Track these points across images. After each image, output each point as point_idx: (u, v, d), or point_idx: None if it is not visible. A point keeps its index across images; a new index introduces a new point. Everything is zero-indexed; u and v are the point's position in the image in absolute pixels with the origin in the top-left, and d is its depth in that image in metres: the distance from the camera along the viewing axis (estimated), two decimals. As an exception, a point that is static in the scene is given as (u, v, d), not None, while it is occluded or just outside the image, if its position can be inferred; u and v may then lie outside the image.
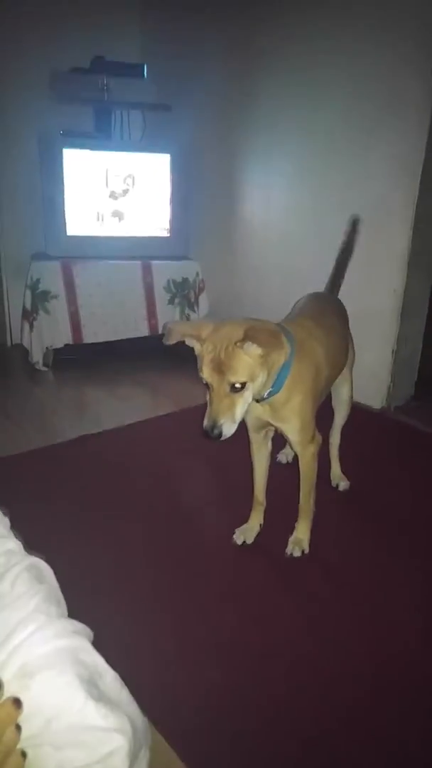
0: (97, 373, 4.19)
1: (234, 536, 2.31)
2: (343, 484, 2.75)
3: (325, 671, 1.72)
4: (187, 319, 4.59)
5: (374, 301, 3.52)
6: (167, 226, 4.50)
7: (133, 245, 4.41)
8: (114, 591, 2.03)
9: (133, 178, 4.28)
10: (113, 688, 0.89)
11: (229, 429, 1.69)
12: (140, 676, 1.52)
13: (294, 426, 2.02)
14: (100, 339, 4.30)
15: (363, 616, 1.95)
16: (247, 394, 1.72)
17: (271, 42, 3.86)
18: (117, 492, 2.68)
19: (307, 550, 2.23)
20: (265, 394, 1.87)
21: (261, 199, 4.28)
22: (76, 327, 4.23)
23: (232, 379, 1.67)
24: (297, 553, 2.22)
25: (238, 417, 1.73)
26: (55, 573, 1.08)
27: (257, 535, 2.34)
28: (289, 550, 2.23)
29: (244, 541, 2.30)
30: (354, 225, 2.72)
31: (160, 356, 4.58)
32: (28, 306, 4.12)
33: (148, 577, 2.14)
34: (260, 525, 2.35)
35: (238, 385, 1.68)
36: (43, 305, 4.10)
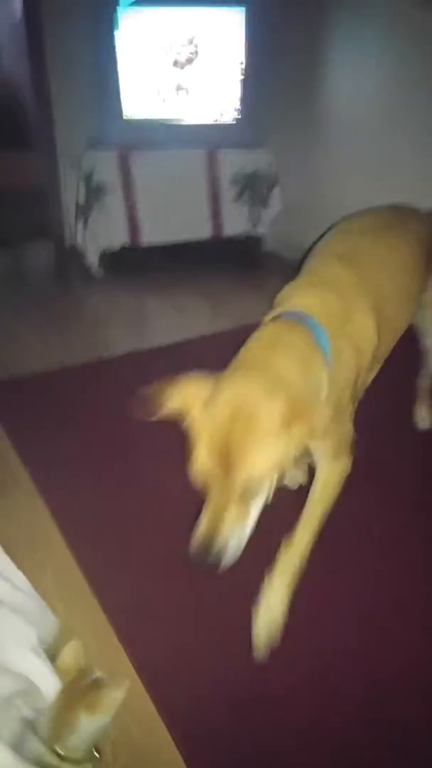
0: (154, 280, 3.91)
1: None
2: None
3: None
4: (256, 219, 4.09)
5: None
6: (237, 105, 3.89)
7: (197, 130, 3.90)
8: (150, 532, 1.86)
9: (198, 44, 3.66)
10: None
11: (234, 552, 1.08)
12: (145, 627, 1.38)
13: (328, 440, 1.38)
14: (160, 240, 3.95)
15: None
16: (266, 495, 1.11)
17: None
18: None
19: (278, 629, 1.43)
20: None
21: (350, 77, 3.59)
22: (133, 226, 3.88)
23: (246, 480, 1.04)
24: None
25: (249, 532, 1.11)
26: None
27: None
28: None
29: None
30: None
31: (225, 263, 4.29)
32: (82, 201, 3.77)
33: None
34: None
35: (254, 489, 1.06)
36: (98, 200, 3.74)
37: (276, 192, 4.15)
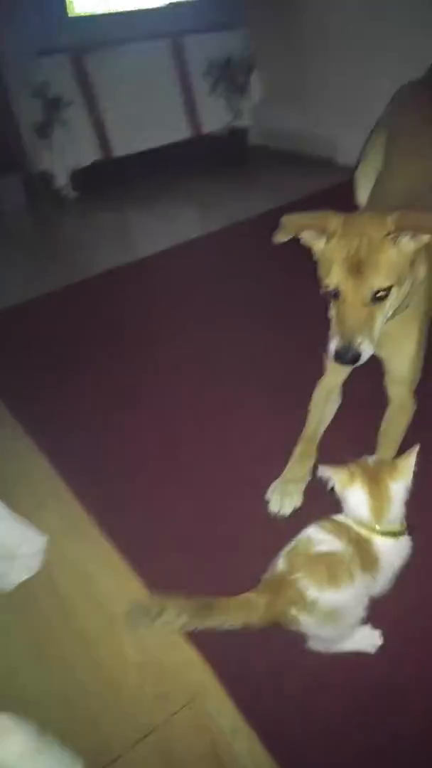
0: (135, 192, 3.62)
1: (268, 494, 1.52)
2: None
3: None
4: (236, 110, 3.72)
5: None
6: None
7: (157, 16, 3.47)
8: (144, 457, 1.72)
9: None
10: None
11: (368, 350, 1.33)
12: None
13: (408, 354, 1.55)
14: (134, 149, 3.63)
15: None
16: (389, 305, 1.35)
17: None
18: (149, 333, 2.24)
19: None
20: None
21: None
22: (102, 138, 3.55)
23: (377, 283, 1.30)
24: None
25: (377, 334, 1.36)
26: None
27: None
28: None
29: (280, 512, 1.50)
30: None
31: (209, 163, 3.93)
32: (40, 118, 3.41)
33: (187, 431, 1.79)
34: (305, 481, 1.55)
35: (382, 293, 1.31)
36: (57, 115, 3.38)
37: (255, 78, 3.75)
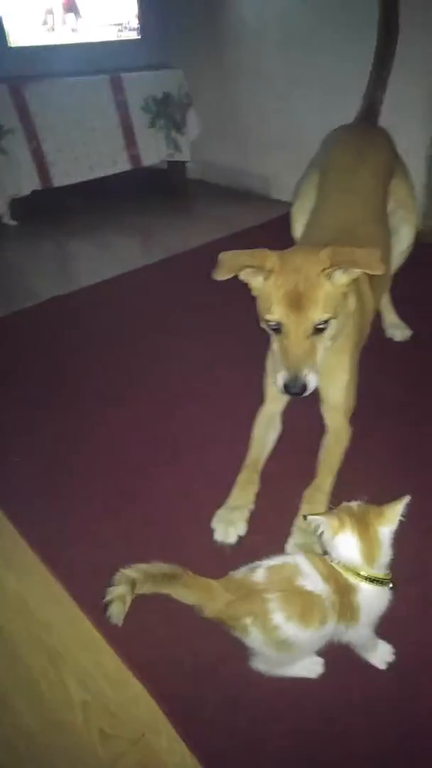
0: (75, 222, 3.62)
1: (213, 523, 1.54)
2: (400, 333, 2.29)
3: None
4: (175, 145, 3.81)
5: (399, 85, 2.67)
6: (136, 22, 3.54)
7: (96, 53, 3.55)
8: (89, 475, 1.72)
9: None
10: None
11: (314, 380, 1.40)
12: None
13: (341, 382, 1.62)
14: (74, 180, 3.62)
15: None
16: (328, 336, 1.42)
17: None
18: (90, 362, 2.24)
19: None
20: None
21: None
22: (41, 167, 3.53)
23: (317, 317, 1.36)
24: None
25: (320, 365, 1.43)
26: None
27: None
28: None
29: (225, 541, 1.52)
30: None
31: (149, 195, 3.99)
32: (-23, 146, 3.38)
33: (132, 461, 1.78)
34: (249, 509, 1.58)
35: (321, 325, 1.37)
36: (-4, 144, 3.35)
37: (192, 114, 3.86)
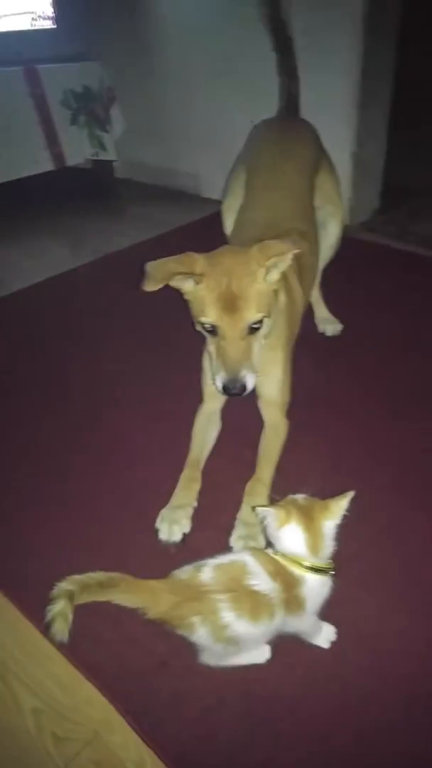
0: (-1, 226, 3.45)
1: (157, 523, 1.56)
2: (331, 328, 2.36)
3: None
4: (99, 143, 3.74)
5: (323, 83, 2.77)
6: (51, 11, 3.45)
7: (8, 44, 3.40)
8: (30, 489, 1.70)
9: None
10: None
11: (252, 380, 1.42)
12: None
13: (276, 378, 1.65)
14: (-9, 181, 3.46)
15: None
16: (263, 334, 1.45)
17: None
18: (22, 368, 2.23)
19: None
20: None
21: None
22: None
23: (251, 317, 1.38)
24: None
25: (257, 364, 1.45)
26: None
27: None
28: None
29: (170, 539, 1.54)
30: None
31: (76, 196, 3.93)
32: None
33: (71, 467, 1.78)
34: (193, 506, 1.60)
35: (256, 324, 1.40)
36: None
37: (116, 111, 3.79)
